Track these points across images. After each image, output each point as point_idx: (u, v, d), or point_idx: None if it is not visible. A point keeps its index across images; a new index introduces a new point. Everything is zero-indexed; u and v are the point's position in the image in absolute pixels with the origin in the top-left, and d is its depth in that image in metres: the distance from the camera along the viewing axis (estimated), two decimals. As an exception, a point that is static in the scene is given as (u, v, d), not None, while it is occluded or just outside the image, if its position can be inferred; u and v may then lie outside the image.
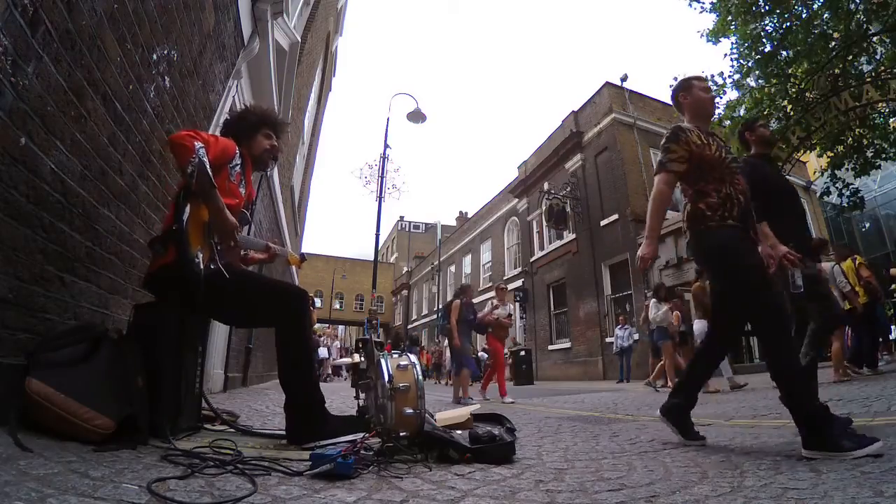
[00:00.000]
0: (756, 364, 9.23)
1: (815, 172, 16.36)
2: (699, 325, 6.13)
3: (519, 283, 18.18)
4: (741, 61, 9.63)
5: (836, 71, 8.59)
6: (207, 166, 1.67)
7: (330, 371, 17.27)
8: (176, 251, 1.70)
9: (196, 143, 1.66)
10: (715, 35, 9.51)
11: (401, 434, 1.76)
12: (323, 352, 16.22)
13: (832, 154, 9.70)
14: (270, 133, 2.25)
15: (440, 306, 6.67)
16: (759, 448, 1.96)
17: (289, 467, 1.37)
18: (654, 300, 7.33)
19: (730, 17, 9.16)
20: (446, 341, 13.02)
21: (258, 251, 2.40)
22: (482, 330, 6.77)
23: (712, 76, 9.93)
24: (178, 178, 2.10)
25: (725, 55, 9.77)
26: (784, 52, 9.08)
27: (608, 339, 13.09)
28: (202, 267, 1.75)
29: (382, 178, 10.99)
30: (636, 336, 11.03)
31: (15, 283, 1.40)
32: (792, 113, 9.43)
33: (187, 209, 1.72)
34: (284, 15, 4.23)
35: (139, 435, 1.52)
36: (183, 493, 1.06)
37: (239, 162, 2.06)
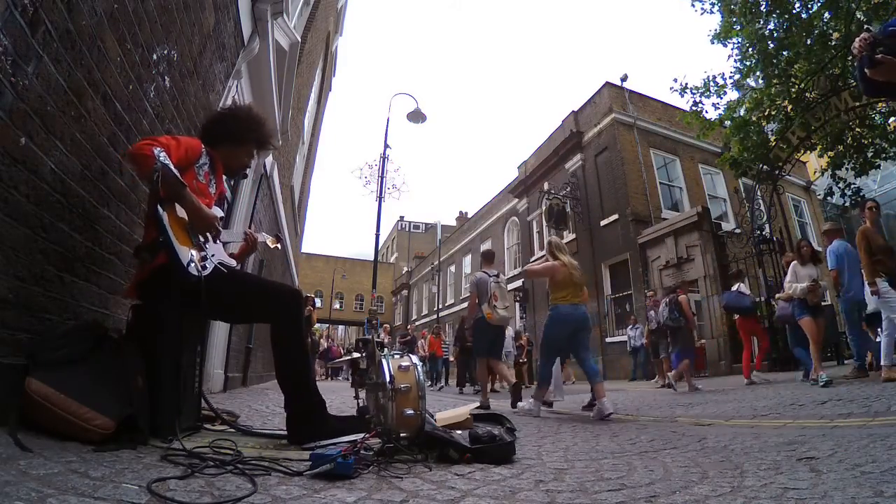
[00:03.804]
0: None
1: (815, 172, 16.36)
2: (883, 286, 4.66)
3: (519, 283, 18.18)
4: (745, 62, 9.62)
5: (836, 71, 8.59)
6: (172, 168, 1.64)
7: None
8: (169, 260, 1.68)
9: (155, 150, 1.62)
10: (723, 36, 9.50)
11: (401, 434, 1.76)
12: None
13: (832, 154, 9.70)
14: (254, 153, 2.24)
15: (667, 305, 6.79)
16: (759, 448, 1.96)
17: (289, 467, 1.37)
18: (795, 262, 5.53)
19: (733, 18, 9.15)
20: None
21: (237, 242, 2.40)
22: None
23: (713, 77, 9.95)
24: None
25: (729, 57, 9.77)
26: (785, 52, 9.08)
27: (608, 340, 13.09)
28: (198, 271, 1.74)
29: (382, 178, 11.00)
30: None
31: (15, 283, 1.40)
32: (792, 113, 9.43)
33: (166, 217, 1.69)
34: (284, 15, 4.23)
35: (139, 435, 1.52)
36: (183, 493, 1.06)
37: (207, 161, 2.01)
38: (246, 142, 2.18)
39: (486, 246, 22.78)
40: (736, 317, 7.41)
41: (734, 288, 7.03)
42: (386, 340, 13.68)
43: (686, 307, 6.69)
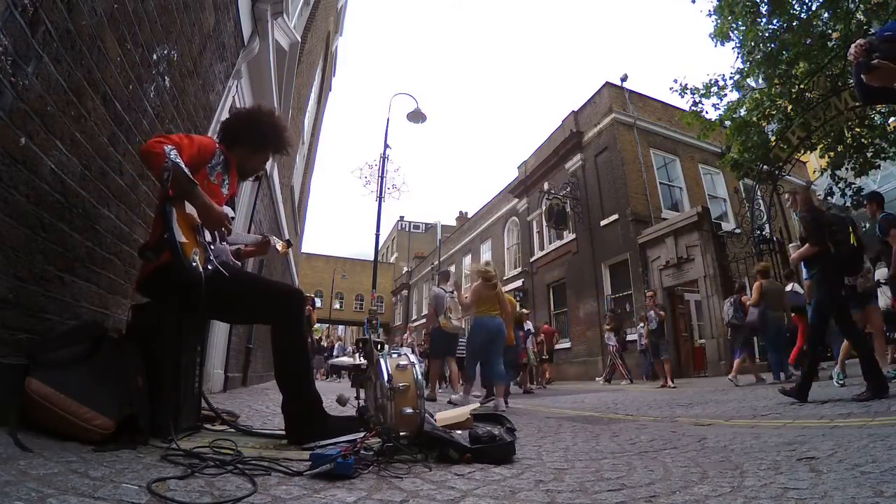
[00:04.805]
0: (756, 364, 9.18)
1: (815, 172, 16.34)
2: None
3: (519, 283, 18.17)
4: (749, 63, 9.62)
5: (836, 71, 8.59)
6: (183, 166, 1.64)
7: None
8: (172, 257, 1.67)
9: (166, 147, 1.61)
10: (720, 35, 9.47)
11: (401, 434, 1.76)
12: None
13: (832, 154, 9.70)
14: (269, 158, 2.23)
15: (732, 304, 7.37)
16: (759, 448, 1.96)
17: (289, 467, 1.37)
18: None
19: (731, 17, 9.14)
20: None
21: (252, 244, 2.39)
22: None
23: (715, 81, 9.95)
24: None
25: (737, 58, 9.78)
26: (786, 52, 9.08)
27: (608, 340, 13.07)
28: (201, 270, 1.74)
29: (382, 178, 10.99)
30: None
31: (15, 283, 1.40)
32: (792, 113, 9.43)
33: (174, 215, 1.69)
34: (284, 15, 4.22)
35: (139, 435, 1.52)
36: (183, 493, 1.06)
37: (220, 161, 1.99)
38: (265, 148, 2.17)
39: (485, 246, 22.84)
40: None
41: (788, 288, 7.26)
42: (409, 340, 13.50)
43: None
